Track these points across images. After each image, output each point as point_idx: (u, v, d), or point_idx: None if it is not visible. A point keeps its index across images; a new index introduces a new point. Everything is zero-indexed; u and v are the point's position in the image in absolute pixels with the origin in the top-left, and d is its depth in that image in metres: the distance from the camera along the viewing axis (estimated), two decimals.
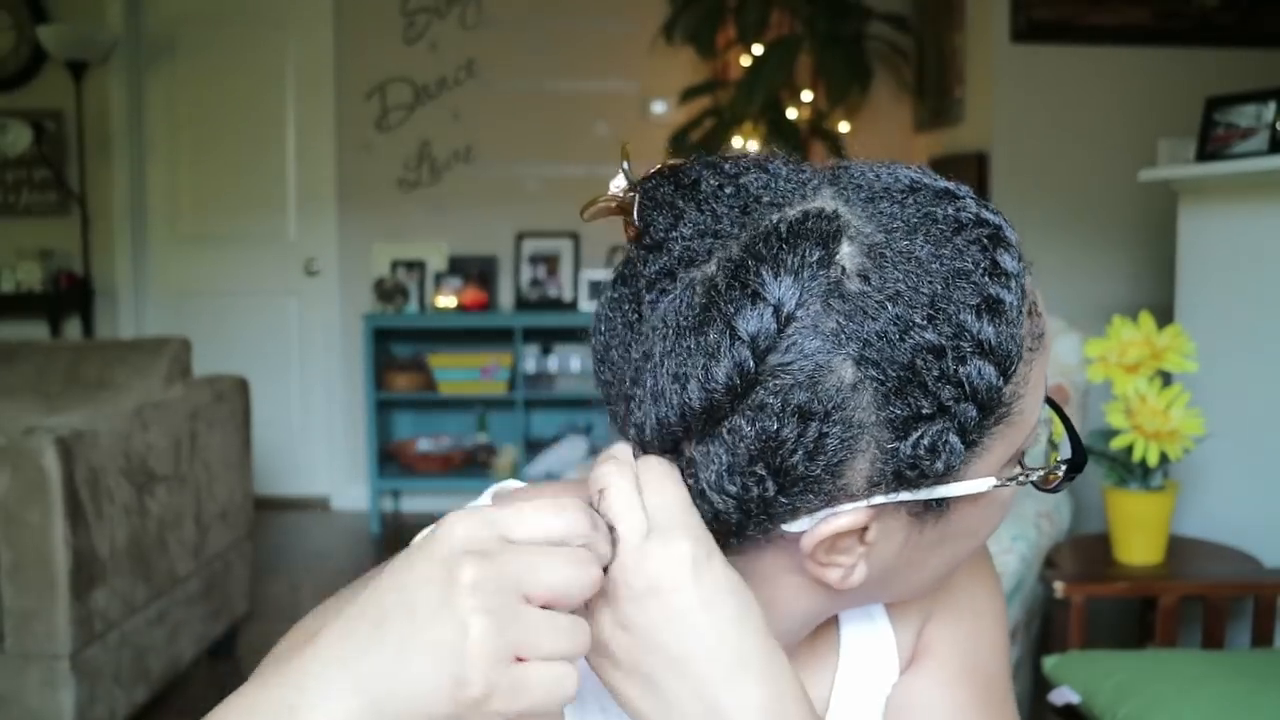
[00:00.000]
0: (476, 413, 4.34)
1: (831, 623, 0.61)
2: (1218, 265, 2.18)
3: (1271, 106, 2.09)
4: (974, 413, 0.45)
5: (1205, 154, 2.20)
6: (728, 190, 0.48)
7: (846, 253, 0.45)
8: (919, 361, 0.44)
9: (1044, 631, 2.03)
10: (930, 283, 0.45)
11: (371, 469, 4.09)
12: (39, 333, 4.14)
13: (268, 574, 3.51)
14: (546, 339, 4.32)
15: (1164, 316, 2.10)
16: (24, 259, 4.18)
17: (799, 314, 0.44)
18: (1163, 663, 1.58)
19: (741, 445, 0.45)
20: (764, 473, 0.45)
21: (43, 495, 1.94)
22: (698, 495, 0.47)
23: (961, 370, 0.44)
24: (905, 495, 0.47)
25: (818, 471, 0.45)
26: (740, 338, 0.44)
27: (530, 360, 4.26)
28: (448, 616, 0.40)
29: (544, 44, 4.29)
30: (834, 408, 0.44)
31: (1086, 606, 1.82)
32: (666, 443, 0.47)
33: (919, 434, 0.45)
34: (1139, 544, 1.87)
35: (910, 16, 3.94)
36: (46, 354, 2.73)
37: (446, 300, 4.16)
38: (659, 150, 3.94)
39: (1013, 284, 0.46)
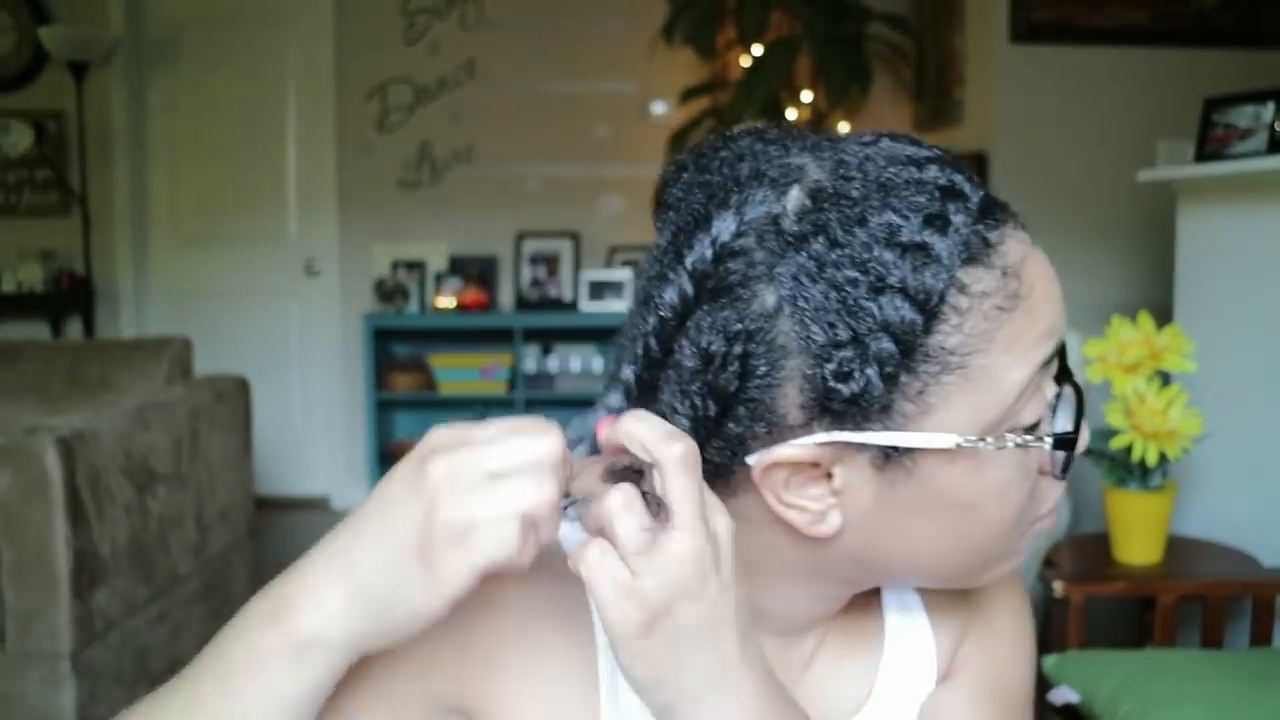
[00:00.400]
0: (476, 413, 4.34)
1: (876, 615, 0.63)
2: (1217, 265, 2.18)
3: (1270, 107, 2.10)
4: (891, 348, 0.47)
5: (1204, 154, 2.20)
6: (722, 151, 0.52)
7: (793, 196, 0.49)
8: (834, 293, 0.47)
9: (1043, 631, 2.03)
10: (862, 224, 0.48)
11: (372, 469, 4.10)
12: (40, 333, 4.15)
13: (269, 573, 3.47)
14: (547, 339, 4.32)
15: (1163, 316, 2.10)
16: (25, 259, 4.19)
17: (735, 245, 0.48)
18: (1162, 662, 1.58)
19: (685, 363, 0.49)
20: (704, 391, 0.49)
21: (44, 495, 1.94)
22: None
23: (875, 303, 0.47)
24: (848, 435, 0.49)
25: (750, 394, 0.49)
26: (684, 266, 0.48)
27: (530, 360, 4.26)
28: (415, 498, 0.45)
29: (544, 44, 4.29)
30: (757, 330, 0.48)
31: (1085, 606, 1.82)
32: (647, 379, 0.51)
33: (834, 363, 0.47)
34: (1138, 544, 1.88)
35: (910, 17, 3.94)
36: (48, 354, 2.74)
37: (447, 300, 4.17)
38: (659, 151, 3.95)
39: (950, 233, 0.48)
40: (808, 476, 0.50)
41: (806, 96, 3.89)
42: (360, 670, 0.50)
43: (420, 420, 4.39)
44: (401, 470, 0.46)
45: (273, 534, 4.01)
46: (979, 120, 3.45)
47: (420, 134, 4.33)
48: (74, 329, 4.28)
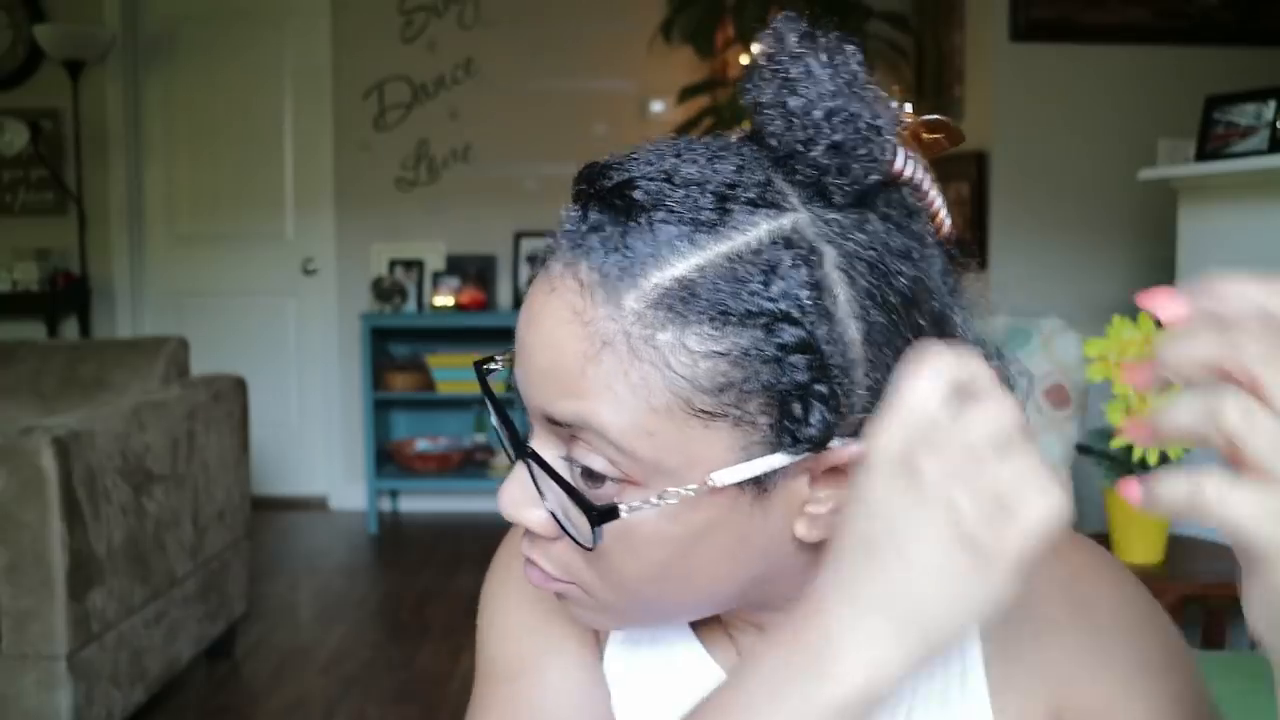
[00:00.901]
0: (474, 412, 4.33)
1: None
2: (1218, 265, 2.18)
3: (1271, 105, 2.09)
4: None
5: (1205, 153, 2.20)
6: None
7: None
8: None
9: None
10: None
11: (369, 469, 4.09)
12: (36, 332, 4.13)
13: (265, 574, 3.51)
14: None
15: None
16: (21, 259, 4.18)
17: None
18: None
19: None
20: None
21: (40, 495, 1.93)
22: None
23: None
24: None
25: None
26: None
27: None
28: (928, 507, 0.41)
29: (542, 43, 4.28)
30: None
31: None
32: None
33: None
34: (1139, 544, 1.87)
35: (910, 15, 3.94)
36: (43, 354, 2.73)
37: (444, 300, 4.16)
38: None
39: None
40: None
41: None
42: None
43: (418, 420, 4.39)
44: (882, 495, 0.42)
45: (270, 534, 4.00)
46: (979, 119, 3.45)
47: (418, 133, 4.32)
48: (70, 328, 4.27)
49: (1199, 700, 0.55)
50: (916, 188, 0.49)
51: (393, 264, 4.27)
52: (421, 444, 4.24)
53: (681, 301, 0.45)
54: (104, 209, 4.30)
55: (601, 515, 0.46)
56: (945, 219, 0.51)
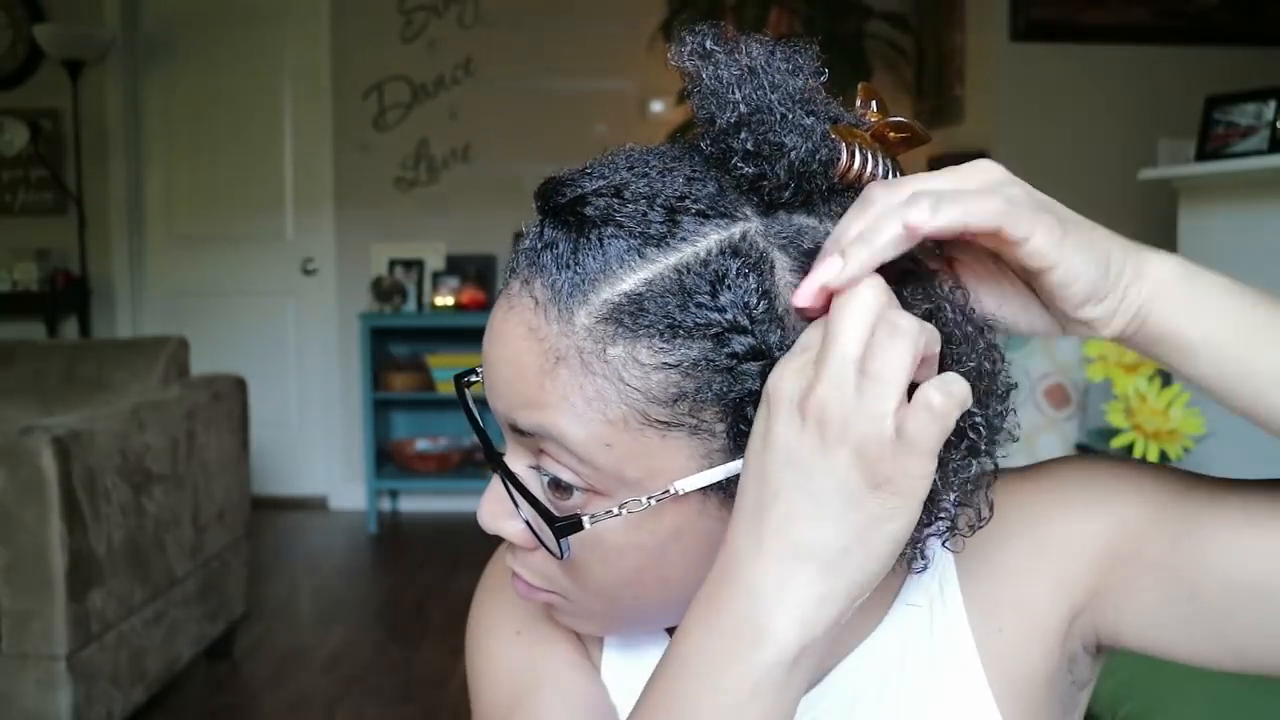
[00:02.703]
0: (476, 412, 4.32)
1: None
2: (1218, 264, 2.17)
3: (1271, 105, 2.09)
4: None
5: (1205, 153, 2.20)
6: None
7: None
8: None
9: None
10: None
11: (369, 469, 4.09)
12: (36, 332, 4.13)
13: (265, 574, 3.51)
14: None
15: None
16: (20, 259, 4.17)
17: None
18: (1163, 663, 1.57)
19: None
20: None
21: (39, 495, 1.93)
22: None
23: None
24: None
25: None
26: None
27: None
28: (822, 445, 0.41)
29: (542, 43, 4.28)
30: None
31: None
32: None
33: None
34: None
35: (910, 15, 3.94)
36: (43, 354, 2.73)
37: (444, 300, 4.15)
38: None
39: None
40: None
41: None
42: None
43: (418, 420, 4.39)
44: (782, 435, 0.42)
45: (270, 534, 4.00)
46: (979, 118, 3.45)
47: (418, 132, 4.32)
48: (70, 328, 4.27)
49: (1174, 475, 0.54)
50: None
51: (393, 264, 4.27)
52: (421, 444, 4.24)
53: (631, 316, 0.45)
54: (104, 209, 4.30)
55: (565, 527, 0.47)
56: None
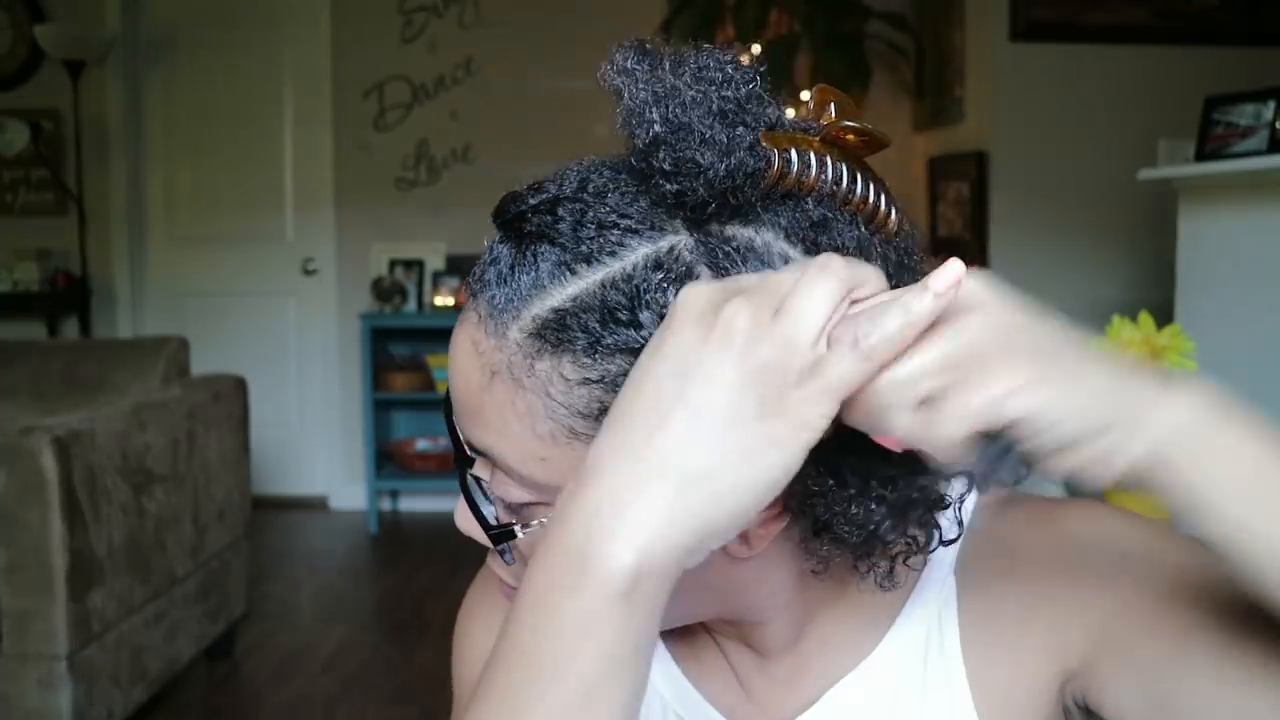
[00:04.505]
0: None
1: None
2: (1218, 264, 2.18)
3: (1271, 106, 2.09)
4: None
5: (1204, 153, 2.20)
6: None
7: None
8: None
9: None
10: None
11: (369, 469, 4.09)
12: (36, 333, 4.13)
13: (266, 574, 3.51)
14: None
15: (1164, 316, 2.10)
16: (21, 259, 4.17)
17: None
18: None
19: None
20: None
21: (40, 495, 1.93)
22: None
23: None
24: None
25: None
26: None
27: None
28: (724, 351, 0.39)
29: (542, 43, 4.28)
30: None
31: None
32: None
33: None
34: None
35: (909, 15, 3.94)
36: (44, 354, 2.73)
37: (445, 300, 4.16)
38: None
39: None
40: None
41: (806, 96, 3.88)
42: None
43: (418, 420, 4.39)
44: (676, 344, 0.40)
45: (270, 534, 4.00)
46: (979, 119, 3.45)
47: (418, 132, 4.32)
48: (70, 329, 4.27)
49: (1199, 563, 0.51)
50: (830, 194, 0.47)
51: (393, 264, 4.27)
52: (421, 444, 4.24)
53: (554, 332, 0.45)
54: (104, 209, 4.29)
55: (498, 536, 0.49)
56: (893, 218, 0.49)
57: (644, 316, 0.45)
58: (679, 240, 0.46)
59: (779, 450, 0.39)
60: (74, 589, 1.98)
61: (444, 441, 4.26)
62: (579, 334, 0.45)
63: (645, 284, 0.45)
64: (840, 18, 3.68)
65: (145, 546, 2.25)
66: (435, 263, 4.26)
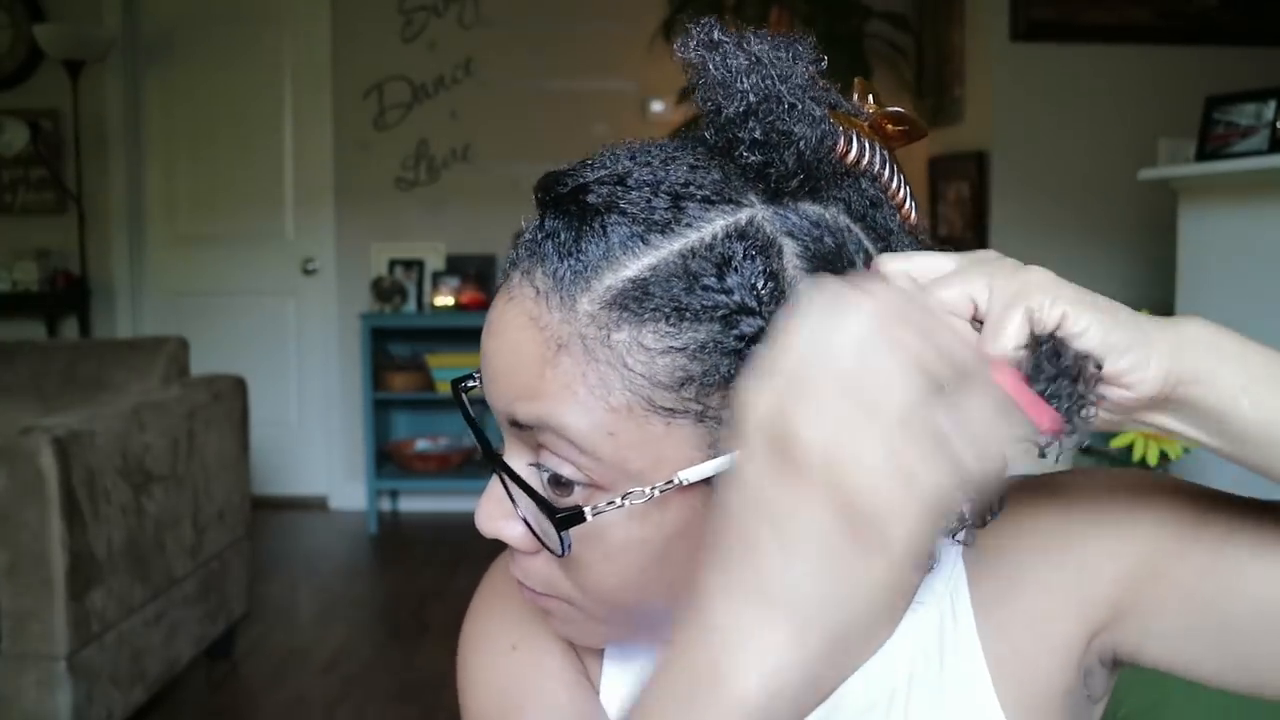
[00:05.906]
0: (477, 414, 4.32)
1: None
2: (1218, 264, 2.18)
3: (1271, 105, 2.09)
4: None
5: (1205, 153, 2.20)
6: None
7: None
8: None
9: None
10: None
11: (369, 469, 4.09)
12: (36, 332, 4.13)
13: (265, 574, 3.50)
14: None
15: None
16: (21, 258, 4.17)
17: None
18: None
19: None
20: None
21: (39, 495, 1.93)
22: None
23: None
24: None
25: None
26: None
27: None
28: (803, 480, 0.35)
29: (542, 43, 4.28)
30: None
31: None
32: None
33: None
34: None
35: (910, 15, 3.94)
36: (43, 354, 2.73)
37: (444, 300, 4.15)
38: None
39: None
40: None
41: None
42: None
43: (418, 420, 4.38)
44: (752, 469, 0.37)
45: (270, 535, 4.00)
46: (979, 118, 3.45)
47: (418, 132, 4.32)
48: (70, 328, 4.27)
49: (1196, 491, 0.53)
50: (876, 177, 0.49)
51: (393, 264, 4.27)
52: (421, 444, 4.24)
53: (635, 301, 0.45)
54: (104, 209, 4.29)
55: (566, 519, 0.46)
56: (911, 208, 0.50)
57: (731, 281, 0.44)
58: (755, 212, 0.46)
59: (886, 571, 0.36)
60: (73, 589, 1.98)
61: (444, 441, 4.26)
62: (663, 302, 0.44)
63: (730, 253, 0.45)
64: (840, 17, 3.68)
65: (145, 547, 2.25)
66: (435, 262, 4.26)
